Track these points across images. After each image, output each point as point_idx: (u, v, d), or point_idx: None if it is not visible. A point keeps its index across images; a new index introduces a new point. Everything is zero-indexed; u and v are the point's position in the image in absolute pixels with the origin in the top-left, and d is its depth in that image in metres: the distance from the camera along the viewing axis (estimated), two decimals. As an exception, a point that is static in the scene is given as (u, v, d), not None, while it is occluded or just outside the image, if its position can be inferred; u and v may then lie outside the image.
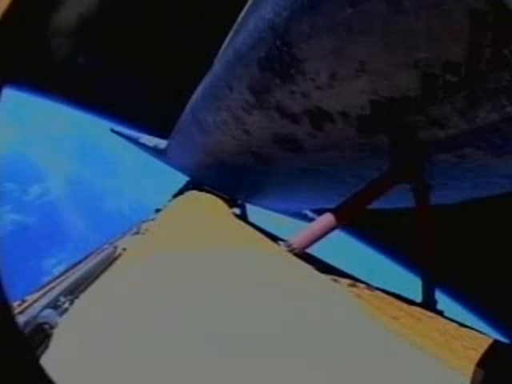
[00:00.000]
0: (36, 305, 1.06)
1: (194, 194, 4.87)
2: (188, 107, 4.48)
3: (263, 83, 2.59)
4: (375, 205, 2.37)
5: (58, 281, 1.43)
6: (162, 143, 6.64)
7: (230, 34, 2.98)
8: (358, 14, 1.70)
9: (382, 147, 2.30)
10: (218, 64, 3.25)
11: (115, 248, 2.00)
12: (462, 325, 1.54)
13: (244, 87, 2.82)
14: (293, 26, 2.04)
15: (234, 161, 4.17)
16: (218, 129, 3.77)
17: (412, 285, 2.68)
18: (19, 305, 1.09)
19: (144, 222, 3.23)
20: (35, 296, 1.20)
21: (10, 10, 0.68)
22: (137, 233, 2.65)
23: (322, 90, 2.21)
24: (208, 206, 3.96)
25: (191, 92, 4.30)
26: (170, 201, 4.95)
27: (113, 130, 7.91)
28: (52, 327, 0.95)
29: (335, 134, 2.48)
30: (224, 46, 3.16)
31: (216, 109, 3.51)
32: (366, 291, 1.70)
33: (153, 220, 3.28)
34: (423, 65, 1.67)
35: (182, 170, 6.39)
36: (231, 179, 4.78)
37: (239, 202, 5.53)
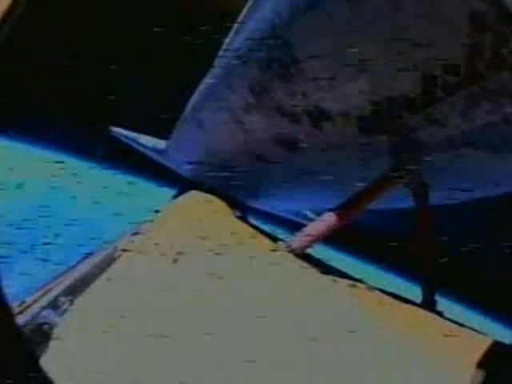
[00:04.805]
0: (36, 305, 1.06)
1: (194, 194, 4.87)
2: (188, 107, 4.48)
3: (263, 83, 2.59)
4: (375, 205, 2.36)
5: (57, 281, 1.43)
6: (161, 143, 6.62)
7: (230, 34, 2.99)
8: (358, 14, 1.71)
9: (381, 147, 2.30)
10: (218, 64, 3.25)
11: (115, 248, 2.00)
12: (461, 325, 1.53)
13: (244, 87, 2.82)
14: (293, 26, 2.04)
15: (234, 161, 4.16)
16: (218, 129, 3.77)
17: (412, 285, 2.68)
18: (19, 305, 1.09)
19: (144, 222, 3.23)
20: (35, 296, 1.20)
21: (10, 10, 0.68)
22: (137, 233, 2.64)
23: (322, 90, 2.21)
24: (208, 206, 3.96)
25: (191, 92, 4.30)
26: (169, 201, 4.94)
27: (111, 131, 7.88)
28: (52, 327, 0.94)
29: (335, 134, 2.48)
30: (224, 46, 3.16)
31: (216, 109, 3.51)
32: (366, 291, 1.70)
33: (153, 220, 3.28)
34: (423, 65, 1.67)
35: (182, 170, 6.38)
36: (231, 179, 4.76)
37: (239, 202, 5.52)
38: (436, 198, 2.67)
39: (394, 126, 2.14)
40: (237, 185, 4.99)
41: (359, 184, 2.52)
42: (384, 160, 2.41)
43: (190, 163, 5.62)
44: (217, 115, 3.65)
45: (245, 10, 2.73)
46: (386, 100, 2.03)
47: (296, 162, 3.28)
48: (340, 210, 2.32)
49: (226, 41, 3.11)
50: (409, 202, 2.48)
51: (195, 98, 4.17)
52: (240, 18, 2.81)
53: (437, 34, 1.53)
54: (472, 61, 1.50)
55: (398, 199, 2.56)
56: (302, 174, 3.47)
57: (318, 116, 2.50)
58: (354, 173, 2.90)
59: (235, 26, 2.90)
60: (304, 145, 2.90)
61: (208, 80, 3.65)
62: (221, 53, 3.25)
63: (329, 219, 2.31)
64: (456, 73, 1.61)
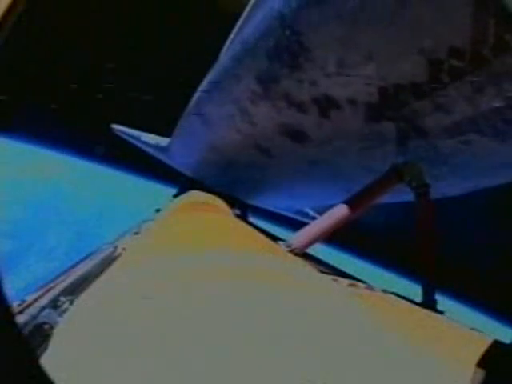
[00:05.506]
0: (36, 305, 1.06)
1: (194, 193, 4.87)
2: (192, 102, 4.45)
3: (271, 73, 2.60)
4: (378, 202, 2.37)
5: (57, 281, 1.43)
6: (163, 141, 6.60)
7: (237, 27, 2.98)
8: (365, 3, 1.74)
9: (388, 135, 2.30)
10: (225, 57, 3.25)
11: (115, 248, 2.00)
12: (461, 325, 1.54)
13: (251, 78, 2.83)
14: (302, 15, 2.08)
15: (238, 156, 4.15)
16: (223, 122, 3.76)
17: (412, 285, 2.68)
18: (19, 304, 1.09)
19: (144, 221, 3.23)
20: (35, 296, 1.20)
21: (9, 10, 0.68)
22: (137, 233, 2.65)
23: (330, 77, 2.22)
24: (208, 205, 3.96)
25: (194, 89, 4.27)
26: (170, 200, 4.94)
27: (113, 129, 7.85)
28: (52, 327, 0.95)
29: (342, 122, 2.48)
30: (230, 38, 3.15)
31: (222, 102, 3.50)
32: (366, 291, 1.70)
33: (153, 220, 3.28)
34: (429, 51, 1.70)
35: (184, 167, 6.37)
36: (233, 176, 4.76)
37: (240, 201, 5.52)
38: (440, 188, 2.67)
39: (400, 112, 2.15)
40: (239, 182, 4.97)
41: (365, 176, 2.52)
42: (389, 148, 2.41)
43: (193, 160, 5.62)
44: (222, 108, 3.64)
45: (251, 3, 2.73)
46: (393, 86, 2.05)
47: (301, 154, 3.27)
48: (342, 209, 2.33)
49: (233, 34, 3.11)
50: (410, 197, 2.49)
51: (199, 92, 4.16)
52: (247, 11, 2.81)
53: (442, 21, 1.57)
54: (477, 45, 1.54)
55: (399, 194, 2.56)
56: (306, 168, 3.47)
57: (326, 104, 2.50)
58: (360, 164, 2.90)
59: (242, 18, 2.90)
60: (311, 135, 2.89)
61: (213, 73, 3.64)
62: (227, 44, 3.25)
63: (329, 218, 2.32)
64: (461, 57, 1.64)
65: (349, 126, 2.46)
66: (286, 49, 2.32)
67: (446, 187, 2.73)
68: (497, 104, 1.69)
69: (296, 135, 2.96)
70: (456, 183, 2.72)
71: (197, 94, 4.30)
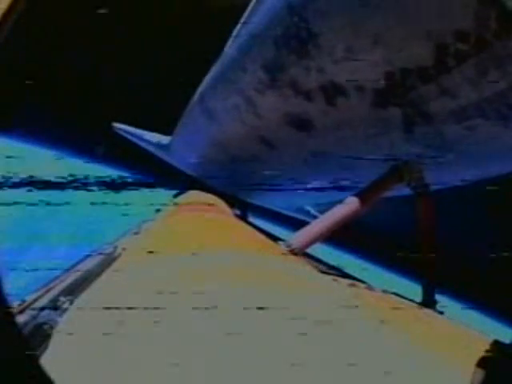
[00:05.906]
0: (36, 305, 1.06)
1: (194, 193, 4.88)
2: (195, 98, 4.44)
3: (278, 61, 2.61)
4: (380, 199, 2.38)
5: (57, 281, 1.43)
6: (165, 139, 6.58)
7: (241, 21, 2.99)
8: None
9: (395, 122, 2.30)
10: (230, 48, 3.26)
11: (115, 248, 2.00)
12: (461, 325, 1.54)
13: (258, 67, 2.84)
14: (310, 2, 2.09)
15: (241, 150, 4.13)
16: (228, 114, 3.75)
17: (412, 285, 2.68)
18: (19, 305, 1.09)
19: (144, 221, 3.23)
20: (35, 296, 1.20)
21: (9, 10, 0.68)
22: (137, 233, 2.65)
23: (338, 63, 2.23)
24: (208, 205, 3.96)
25: (194, 88, 4.26)
26: (170, 200, 4.94)
27: (114, 128, 7.83)
28: (52, 327, 0.95)
29: (349, 109, 2.48)
30: (235, 33, 3.15)
31: (227, 93, 3.50)
32: (366, 291, 1.70)
33: (153, 220, 3.28)
34: (435, 35, 1.72)
35: (185, 165, 6.36)
36: (235, 173, 4.75)
37: (240, 201, 5.52)
38: (446, 177, 2.66)
39: (407, 97, 2.15)
40: (240, 179, 4.94)
41: (369, 168, 2.52)
42: (396, 135, 2.41)
43: (194, 157, 5.59)
44: (227, 101, 3.63)
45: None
46: (400, 71, 2.04)
47: (306, 145, 3.26)
48: (341, 209, 2.33)
49: (239, 26, 3.11)
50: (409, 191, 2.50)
51: (203, 87, 4.15)
52: (253, 3, 2.82)
53: (448, 5, 1.59)
54: (480, 29, 1.56)
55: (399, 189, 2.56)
56: (310, 159, 3.46)
57: (333, 92, 2.51)
58: (364, 151, 2.90)
59: (248, 11, 2.91)
60: (316, 124, 2.89)
61: (218, 65, 3.64)
62: (231, 39, 3.25)
63: (329, 218, 2.32)
64: (466, 41, 1.65)
65: (355, 113, 2.45)
66: (294, 36, 2.33)
67: (449, 175, 2.72)
68: (500, 87, 1.70)
69: (301, 124, 2.94)
70: (459, 171, 2.71)
71: (200, 89, 4.28)
